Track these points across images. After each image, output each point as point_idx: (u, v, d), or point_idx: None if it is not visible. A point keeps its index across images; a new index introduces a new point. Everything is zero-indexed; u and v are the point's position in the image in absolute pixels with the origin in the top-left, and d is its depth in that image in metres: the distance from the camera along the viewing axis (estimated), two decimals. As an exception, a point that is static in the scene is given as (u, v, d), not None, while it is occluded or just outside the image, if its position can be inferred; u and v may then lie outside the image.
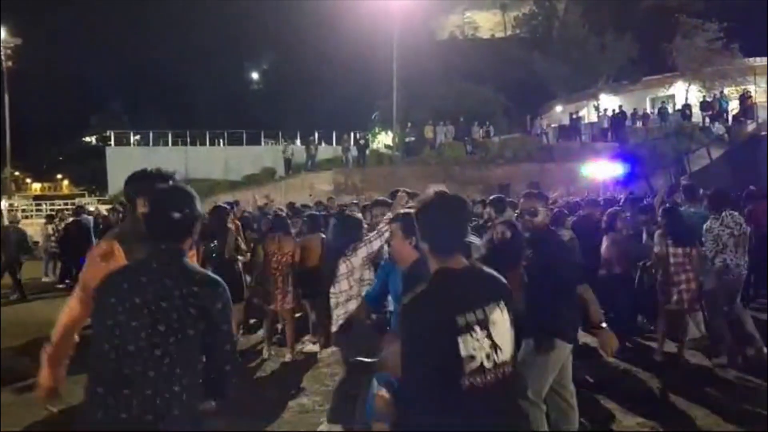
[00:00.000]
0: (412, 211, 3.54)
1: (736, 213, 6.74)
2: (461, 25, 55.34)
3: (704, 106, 27.94)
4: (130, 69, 49.93)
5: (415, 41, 34.40)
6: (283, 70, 46.68)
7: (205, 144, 36.30)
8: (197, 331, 2.23)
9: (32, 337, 7.99)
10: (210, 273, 2.42)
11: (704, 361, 6.49)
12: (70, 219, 13.77)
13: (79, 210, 14.53)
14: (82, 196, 37.45)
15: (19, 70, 32.97)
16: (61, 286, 12.99)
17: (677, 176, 18.87)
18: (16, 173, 55.83)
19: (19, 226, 13.01)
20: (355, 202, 12.14)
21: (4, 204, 26.88)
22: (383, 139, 34.72)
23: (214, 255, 6.98)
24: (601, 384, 5.79)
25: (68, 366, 2.85)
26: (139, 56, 49.49)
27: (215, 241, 7.05)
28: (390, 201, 4.80)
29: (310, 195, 19.26)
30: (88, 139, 55.67)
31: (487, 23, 54.97)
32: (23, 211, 25.49)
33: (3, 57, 31.80)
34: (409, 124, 31.86)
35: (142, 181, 2.93)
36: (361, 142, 30.43)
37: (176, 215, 2.35)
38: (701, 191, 8.61)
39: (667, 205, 7.14)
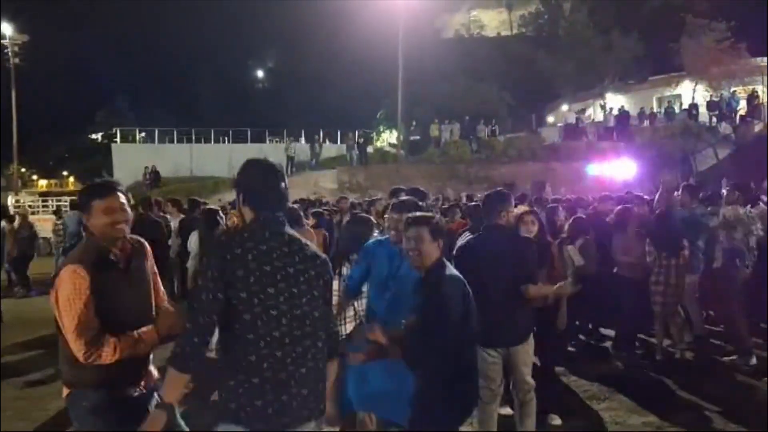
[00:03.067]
0: (436, 215, 3.57)
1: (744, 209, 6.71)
2: (467, 23, 55.17)
3: (711, 105, 27.83)
4: (136, 66, 50.10)
5: (421, 39, 34.35)
6: (288, 69, 46.73)
7: (210, 141, 36.40)
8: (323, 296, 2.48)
9: (38, 333, 8.04)
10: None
11: (710, 359, 6.48)
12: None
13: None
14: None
15: (25, 67, 33.10)
16: None
17: (684, 176, 18.81)
18: (23, 170, 56.13)
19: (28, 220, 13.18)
20: (360, 202, 12.10)
21: (11, 200, 26.98)
22: (388, 138, 34.70)
23: None
24: (606, 383, 5.78)
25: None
26: (145, 54, 49.61)
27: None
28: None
29: (314, 193, 19.26)
30: (94, 136, 55.86)
31: (493, 22, 54.80)
32: (29, 206, 25.51)
33: (10, 54, 31.93)
34: (414, 123, 31.82)
35: (81, 198, 2.82)
36: (361, 140, 30.40)
37: (283, 185, 2.48)
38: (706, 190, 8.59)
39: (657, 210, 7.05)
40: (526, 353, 4.15)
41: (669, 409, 5.16)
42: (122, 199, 2.76)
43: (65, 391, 2.78)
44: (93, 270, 2.62)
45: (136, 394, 2.79)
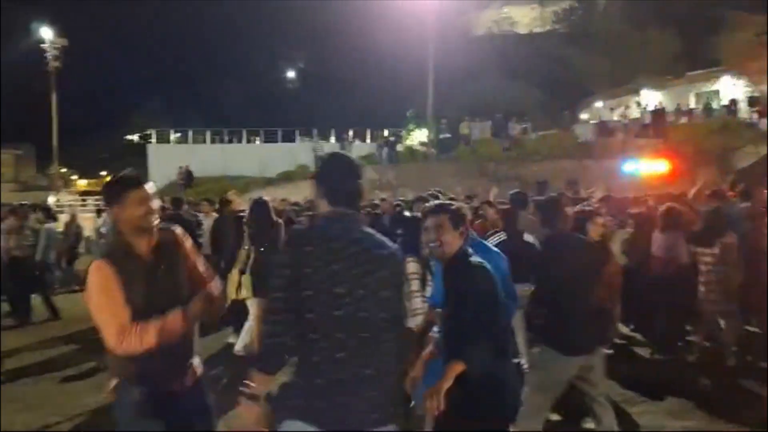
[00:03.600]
0: (457, 204, 3.49)
1: None
2: (498, 20, 54.63)
3: (751, 101, 27.06)
4: (170, 69, 50.92)
5: (451, 37, 34.15)
6: (318, 68, 47.01)
7: (241, 141, 36.85)
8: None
9: (76, 329, 8.22)
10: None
11: (753, 364, 6.30)
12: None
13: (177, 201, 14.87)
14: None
15: (65, 70, 33.91)
16: None
17: (723, 174, 18.34)
18: (64, 170, 57.55)
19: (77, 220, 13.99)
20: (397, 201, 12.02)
21: (52, 200, 27.67)
22: (418, 136, 34.60)
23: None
24: (642, 387, 5.65)
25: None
26: (179, 56, 50.37)
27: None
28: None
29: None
30: (130, 137, 56.97)
31: (525, 18, 54.11)
32: (70, 206, 26.09)
33: (50, 57, 32.73)
34: (444, 121, 31.66)
35: (110, 190, 2.82)
36: (392, 139, 30.37)
37: (359, 183, 2.46)
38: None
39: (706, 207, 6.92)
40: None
41: (710, 415, 5.01)
42: (150, 190, 2.78)
43: (113, 383, 2.84)
44: (118, 264, 2.66)
45: (180, 388, 2.81)
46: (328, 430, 2.23)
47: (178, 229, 2.96)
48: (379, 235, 2.46)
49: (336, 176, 2.44)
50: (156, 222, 2.80)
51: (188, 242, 2.97)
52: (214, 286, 2.96)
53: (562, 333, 3.71)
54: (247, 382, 2.28)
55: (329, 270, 2.24)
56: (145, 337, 2.61)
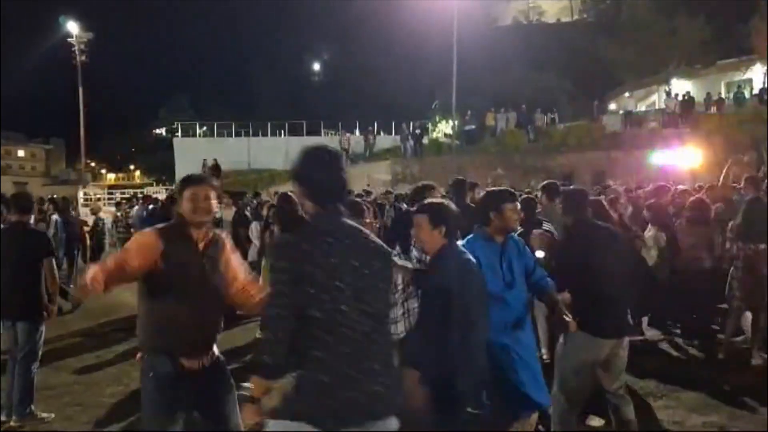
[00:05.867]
0: (439, 200, 3.47)
1: None
2: (525, 10, 54.17)
3: (785, 90, 26.34)
4: (195, 62, 51.42)
5: (476, 28, 33.88)
6: (342, 61, 46.96)
7: (266, 135, 36.99)
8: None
9: (97, 321, 8.32)
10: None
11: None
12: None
13: (148, 199, 15.10)
14: (151, 185, 38.84)
15: (91, 64, 34.41)
16: None
17: (756, 165, 17.86)
18: (92, 164, 58.64)
19: (101, 215, 14.27)
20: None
21: (81, 193, 28.15)
22: (443, 128, 34.40)
23: None
24: (664, 381, 5.51)
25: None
26: (203, 50, 50.78)
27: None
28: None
29: (368, 185, 19.23)
30: (157, 131, 57.75)
31: (552, 8, 53.58)
32: (98, 200, 26.58)
33: (77, 52, 33.22)
34: (469, 112, 31.42)
35: (183, 182, 3.19)
36: (417, 131, 30.22)
37: (344, 174, 2.39)
38: None
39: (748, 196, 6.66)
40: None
41: (733, 411, 4.85)
42: (209, 192, 3.09)
43: (138, 355, 3.11)
44: (167, 238, 2.98)
45: (198, 366, 3.03)
46: (333, 429, 2.19)
47: (224, 233, 3.36)
48: (364, 228, 2.42)
49: (318, 172, 2.34)
50: (208, 221, 3.13)
51: (229, 242, 3.31)
52: (253, 285, 3.29)
53: (594, 316, 3.76)
54: (247, 385, 2.25)
55: (329, 264, 2.20)
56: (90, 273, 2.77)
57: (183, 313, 2.96)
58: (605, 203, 5.09)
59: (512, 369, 3.38)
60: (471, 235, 3.67)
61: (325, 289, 2.19)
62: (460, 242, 3.43)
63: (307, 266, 2.19)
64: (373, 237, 2.42)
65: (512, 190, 3.90)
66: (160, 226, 3.11)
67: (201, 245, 3.08)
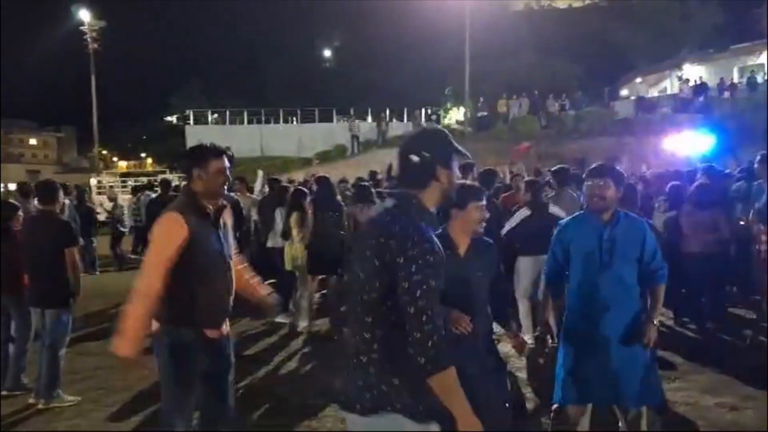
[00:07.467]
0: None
1: None
2: (536, -5, 53.55)
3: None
4: (206, 50, 51.35)
5: (488, 13, 33.58)
6: (354, 47, 46.70)
7: (279, 122, 37.03)
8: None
9: (117, 304, 8.45)
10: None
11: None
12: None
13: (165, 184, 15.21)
14: (164, 173, 39.05)
15: (104, 52, 34.45)
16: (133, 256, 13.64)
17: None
18: (105, 152, 58.92)
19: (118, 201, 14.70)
20: None
21: (93, 181, 28.37)
22: (455, 115, 34.27)
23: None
24: (681, 364, 5.59)
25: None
26: (214, 37, 50.70)
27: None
28: None
29: (380, 171, 19.22)
30: (169, 118, 57.84)
31: (564, -7, 52.96)
32: (111, 187, 26.80)
33: (89, 39, 33.27)
34: (481, 99, 31.27)
35: (196, 155, 3.16)
36: (433, 118, 30.16)
37: (415, 159, 2.17)
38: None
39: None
40: None
41: (746, 392, 4.92)
42: (227, 163, 3.15)
43: (154, 326, 3.09)
44: (191, 220, 3.01)
45: (215, 337, 3.13)
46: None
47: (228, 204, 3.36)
48: None
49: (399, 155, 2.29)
50: (224, 190, 3.22)
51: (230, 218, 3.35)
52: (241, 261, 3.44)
53: None
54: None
55: (410, 254, 2.02)
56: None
57: (207, 286, 3.07)
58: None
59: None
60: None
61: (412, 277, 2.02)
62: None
63: (398, 257, 2.03)
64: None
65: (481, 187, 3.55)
66: (174, 204, 3.15)
67: (214, 215, 3.15)
